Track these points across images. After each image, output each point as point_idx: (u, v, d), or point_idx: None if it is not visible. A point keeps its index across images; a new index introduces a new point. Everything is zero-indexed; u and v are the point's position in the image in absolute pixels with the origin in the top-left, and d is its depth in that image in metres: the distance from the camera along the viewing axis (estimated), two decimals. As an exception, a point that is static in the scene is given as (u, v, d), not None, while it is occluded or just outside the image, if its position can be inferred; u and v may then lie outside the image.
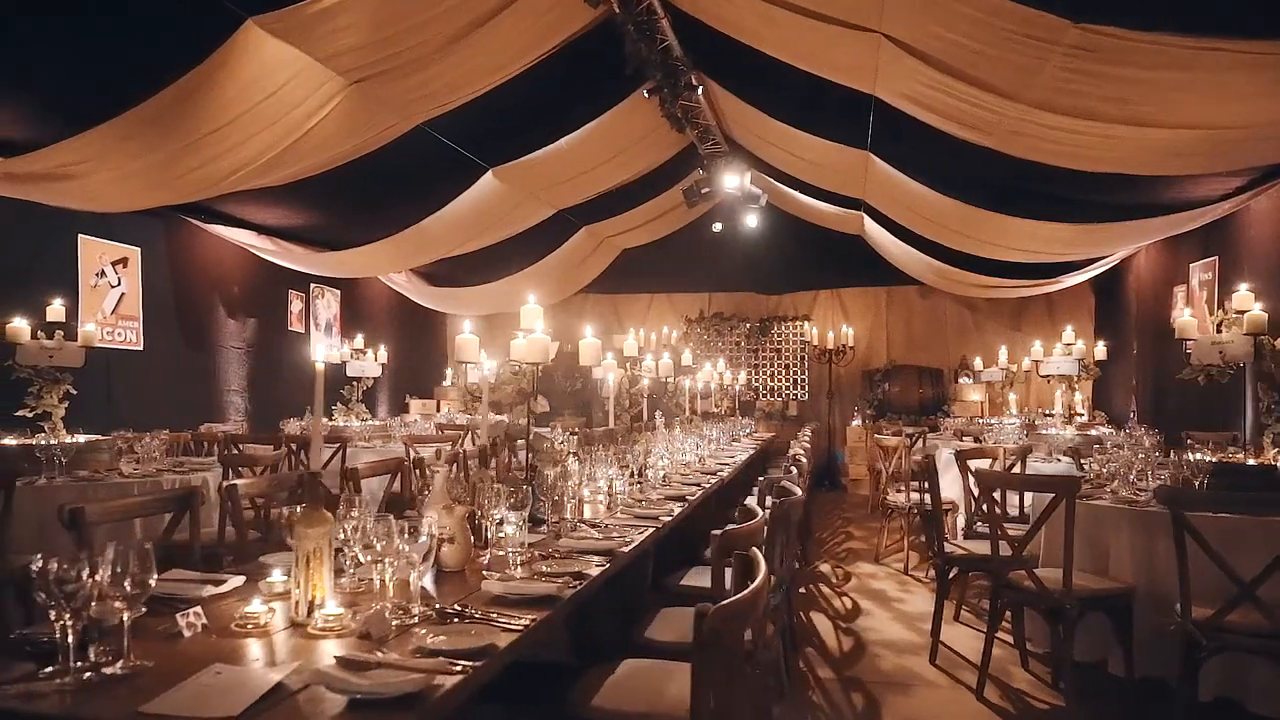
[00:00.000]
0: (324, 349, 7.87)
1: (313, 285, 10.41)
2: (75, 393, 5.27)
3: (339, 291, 10.95)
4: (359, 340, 8.88)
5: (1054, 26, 3.87)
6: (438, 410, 11.51)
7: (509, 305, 12.09)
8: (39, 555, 1.69)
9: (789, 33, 5.39)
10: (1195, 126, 4.45)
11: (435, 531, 2.26)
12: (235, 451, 6.04)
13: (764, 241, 11.38)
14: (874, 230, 10.39)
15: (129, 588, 1.71)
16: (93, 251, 7.37)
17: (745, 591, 1.60)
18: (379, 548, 2.09)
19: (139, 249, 7.91)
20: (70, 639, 1.64)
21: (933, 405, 11.39)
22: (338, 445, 6.51)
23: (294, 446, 6.09)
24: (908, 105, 5.68)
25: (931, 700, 3.93)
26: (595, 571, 2.54)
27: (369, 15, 4.86)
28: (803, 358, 12.49)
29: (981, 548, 4.57)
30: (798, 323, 12.49)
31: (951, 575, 4.65)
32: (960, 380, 11.46)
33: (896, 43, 4.81)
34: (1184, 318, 4.82)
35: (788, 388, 12.48)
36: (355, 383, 8.38)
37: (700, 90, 7.24)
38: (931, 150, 6.81)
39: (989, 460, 5.39)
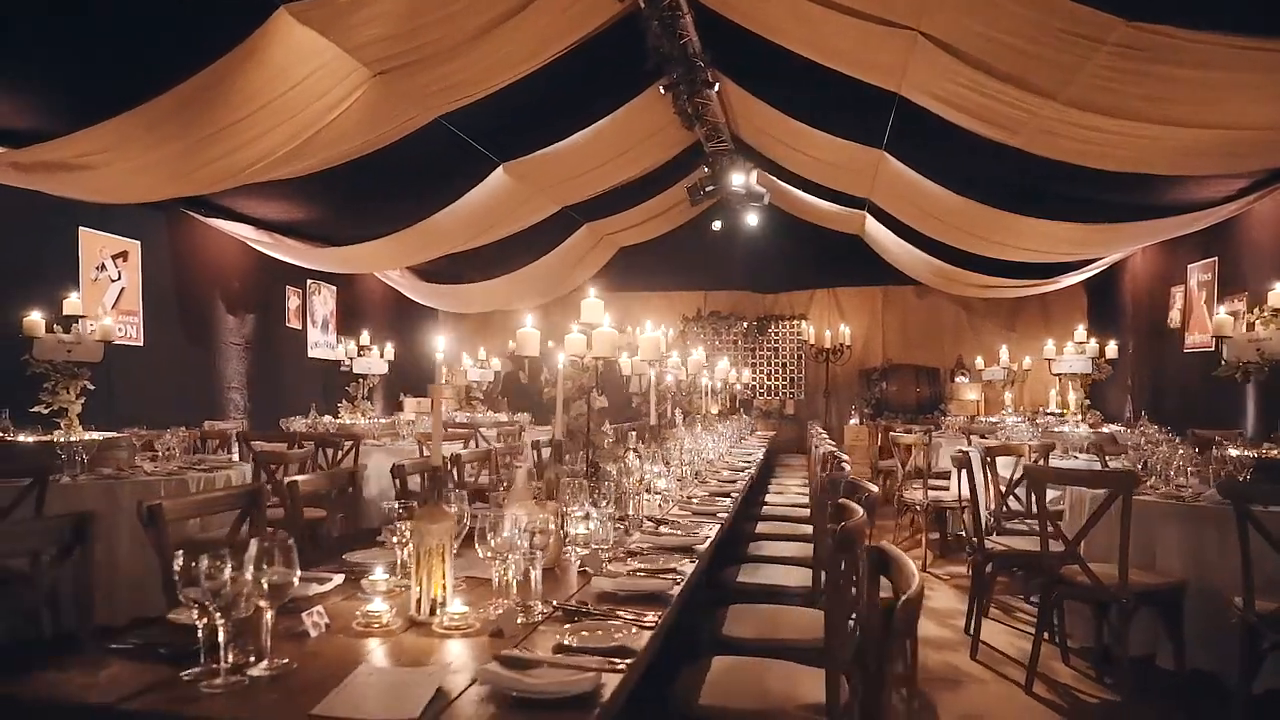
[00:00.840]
0: (342, 347, 7.73)
1: (309, 281, 10.25)
2: (93, 388, 5.14)
3: (335, 288, 10.80)
4: (364, 337, 8.75)
5: (1104, 24, 3.89)
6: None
7: (508, 303, 12.03)
8: (180, 552, 1.62)
9: (820, 29, 5.38)
10: (1229, 127, 4.50)
11: (537, 527, 2.22)
12: (257, 449, 5.92)
13: (761, 240, 11.40)
14: (875, 230, 10.45)
15: (273, 584, 1.64)
16: (93, 245, 7.19)
17: (914, 589, 1.57)
18: (493, 543, 2.03)
19: (139, 242, 7.73)
20: (221, 638, 1.57)
21: (930, 404, 11.48)
22: (351, 443, 6.40)
23: (313, 444, 5.97)
24: (934, 104, 5.69)
25: (981, 696, 3.94)
26: (689, 568, 2.51)
27: (400, 4, 4.79)
28: (800, 357, 12.52)
29: (1018, 543, 4.59)
30: (794, 322, 12.53)
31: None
32: (957, 379, 11.56)
33: (933, 40, 4.82)
34: (1220, 315, 4.87)
35: (785, 387, 12.51)
36: (361, 380, 8.25)
37: (716, 88, 7.21)
38: (948, 150, 6.85)
39: (1015, 457, 5.42)
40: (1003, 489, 5.19)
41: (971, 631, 4.59)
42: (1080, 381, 7.18)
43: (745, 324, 12.49)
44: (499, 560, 2.03)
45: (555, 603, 2.09)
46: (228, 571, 1.60)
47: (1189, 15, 3.68)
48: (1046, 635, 4.49)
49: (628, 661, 1.65)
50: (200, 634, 1.60)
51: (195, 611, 1.61)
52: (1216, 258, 8.44)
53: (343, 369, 11.07)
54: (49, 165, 5.18)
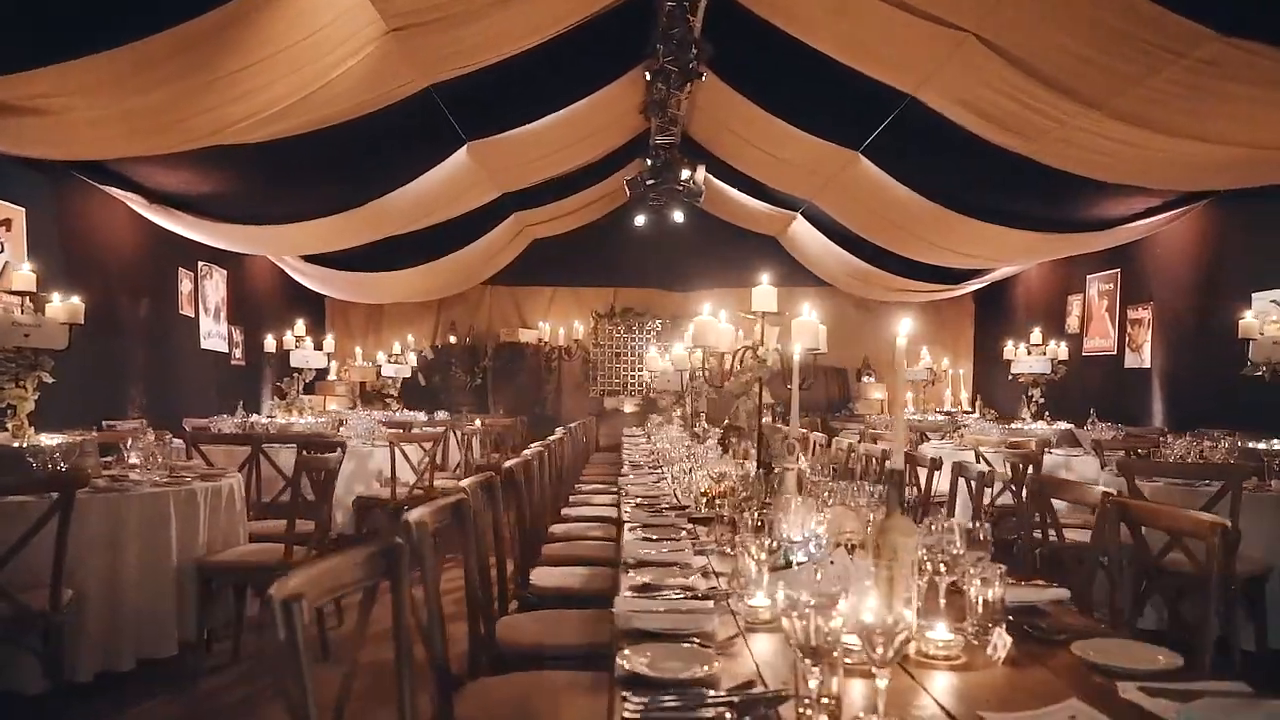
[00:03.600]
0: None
1: (200, 264, 9.10)
2: (52, 380, 4.22)
3: (225, 272, 9.65)
4: (299, 326, 7.86)
5: (1192, 37, 4.07)
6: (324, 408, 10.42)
7: (423, 293, 11.31)
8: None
9: (861, 21, 5.34)
10: (1253, 145, 4.87)
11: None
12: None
13: (673, 239, 11.31)
14: (801, 231, 10.65)
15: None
16: (-28, 209, 5.99)
17: None
18: (946, 556, 1.77)
19: (23, 210, 6.51)
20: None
21: (840, 403, 11.85)
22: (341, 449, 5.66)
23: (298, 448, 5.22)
24: (953, 107, 5.81)
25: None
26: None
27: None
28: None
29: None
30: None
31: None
32: (864, 379, 12.00)
33: (987, 43, 4.89)
34: (1246, 319, 5.25)
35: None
36: (297, 375, 7.40)
37: (703, 78, 7.02)
38: (929, 155, 7.06)
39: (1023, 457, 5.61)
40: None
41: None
42: (1034, 382, 7.58)
43: (660, 322, 12.37)
44: (964, 575, 1.76)
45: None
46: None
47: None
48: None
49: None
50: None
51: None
52: (1119, 270, 9.25)
53: (233, 362, 9.97)
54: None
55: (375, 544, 1.74)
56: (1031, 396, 7.46)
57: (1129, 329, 8.98)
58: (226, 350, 9.69)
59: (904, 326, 1.76)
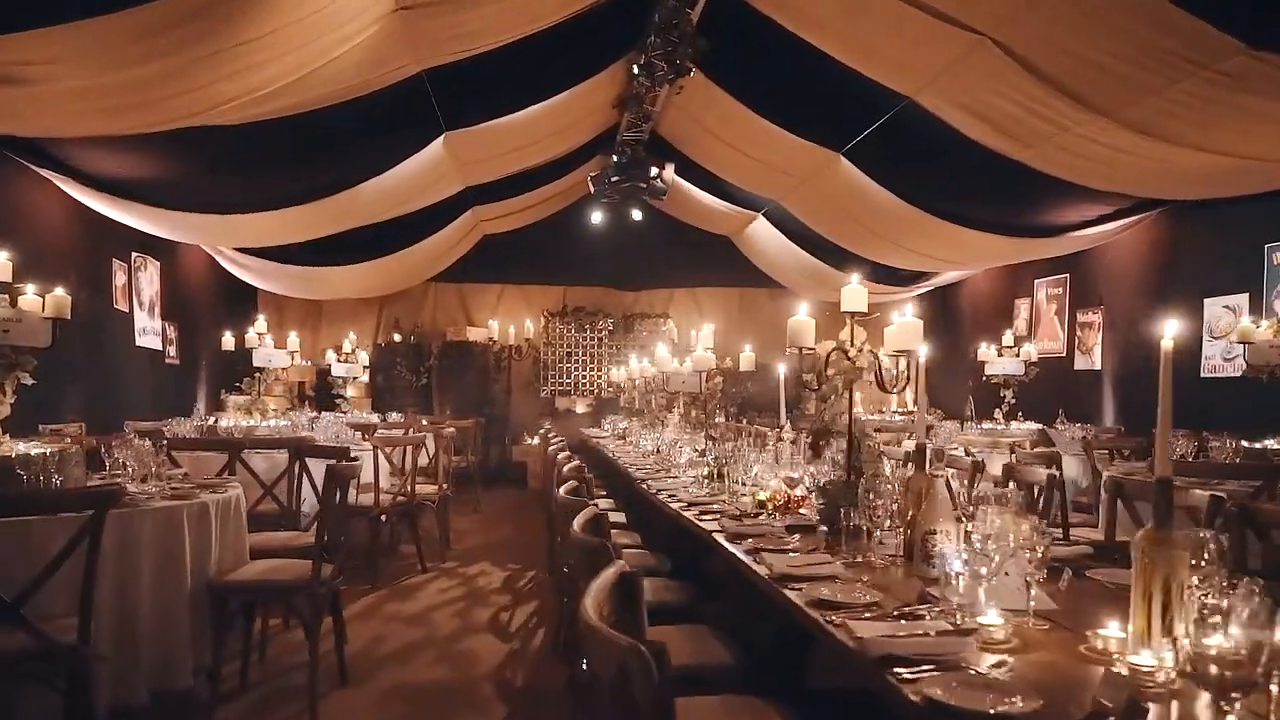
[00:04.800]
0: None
1: (134, 255, 8.43)
2: (33, 383, 3.77)
3: (159, 264, 8.98)
4: (260, 323, 7.35)
5: (1221, 50, 4.18)
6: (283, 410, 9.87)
7: (366, 290, 10.84)
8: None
9: (873, 19, 5.32)
10: (1254, 157, 5.07)
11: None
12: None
13: (624, 237, 11.15)
14: (760, 231, 10.66)
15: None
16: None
17: None
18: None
19: (-50, 192, 5.88)
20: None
21: (789, 404, 11.89)
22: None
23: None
24: (951, 110, 5.86)
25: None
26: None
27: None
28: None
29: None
30: (657, 320, 12.45)
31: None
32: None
33: (1003, 47, 4.93)
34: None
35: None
36: (258, 374, 6.92)
37: (691, 73, 6.90)
38: (910, 160, 7.13)
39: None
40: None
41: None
42: (1005, 382, 7.76)
43: (612, 321, 12.19)
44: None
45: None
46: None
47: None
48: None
49: None
50: None
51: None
52: (1069, 274, 9.60)
53: (167, 361, 9.28)
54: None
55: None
56: (1004, 397, 7.63)
57: (1079, 332, 9.32)
58: (160, 348, 9.03)
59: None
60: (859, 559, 2.52)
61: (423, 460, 7.22)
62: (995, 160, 6.35)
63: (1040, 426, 7.56)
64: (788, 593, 2.11)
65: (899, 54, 5.63)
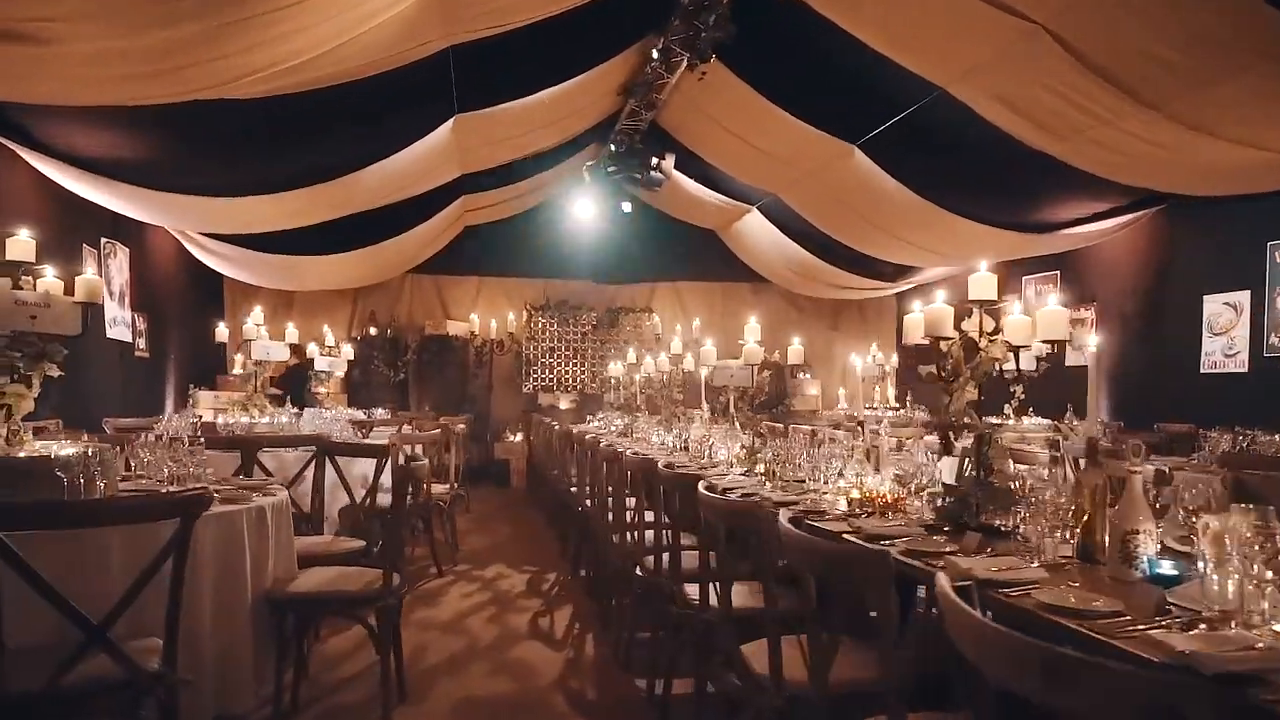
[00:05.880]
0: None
1: (104, 241, 7.89)
2: (59, 375, 3.39)
3: (128, 250, 8.43)
4: (258, 313, 6.92)
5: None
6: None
7: (344, 281, 10.40)
8: None
9: (913, 8, 5.21)
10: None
11: None
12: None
13: (604, 229, 10.90)
14: (752, 224, 10.53)
15: None
16: None
17: None
18: None
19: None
20: None
21: (775, 399, 11.83)
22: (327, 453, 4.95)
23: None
24: (986, 102, 5.79)
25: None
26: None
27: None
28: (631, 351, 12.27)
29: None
30: (641, 315, 12.24)
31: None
32: (799, 375, 12.05)
33: (1057, 37, 4.86)
34: None
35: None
36: (257, 369, 6.51)
37: (711, 58, 6.70)
38: (924, 153, 7.06)
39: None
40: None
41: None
42: (1018, 377, 7.73)
43: (596, 315, 11.93)
44: None
45: None
46: None
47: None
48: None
49: None
50: None
51: None
52: (1059, 271, 9.70)
53: (136, 354, 8.72)
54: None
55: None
56: (1014, 393, 7.60)
57: (1071, 329, 9.41)
58: (130, 340, 8.49)
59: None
60: (1034, 562, 2.36)
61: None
62: (1012, 154, 6.33)
63: (1047, 422, 7.59)
64: (1012, 599, 1.94)
65: (939, 43, 5.53)
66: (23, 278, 3.33)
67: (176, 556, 2.37)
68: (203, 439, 3.94)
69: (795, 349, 6.15)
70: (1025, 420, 7.50)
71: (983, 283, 2.93)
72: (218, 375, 10.74)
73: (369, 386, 11.06)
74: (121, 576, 2.66)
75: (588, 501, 5.78)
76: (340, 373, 9.23)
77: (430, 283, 11.85)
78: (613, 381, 9.05)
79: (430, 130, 6.45)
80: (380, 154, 6.43)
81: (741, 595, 3.13)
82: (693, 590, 3.13)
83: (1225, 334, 7.47)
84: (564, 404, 11.43)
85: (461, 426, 7.14)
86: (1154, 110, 5.03)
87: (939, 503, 3.01)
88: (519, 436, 11.21)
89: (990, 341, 2.94)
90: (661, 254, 12.03)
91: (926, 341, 2.97)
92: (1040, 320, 2.82)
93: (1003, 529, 2.74)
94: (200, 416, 6.48)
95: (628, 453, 4.47)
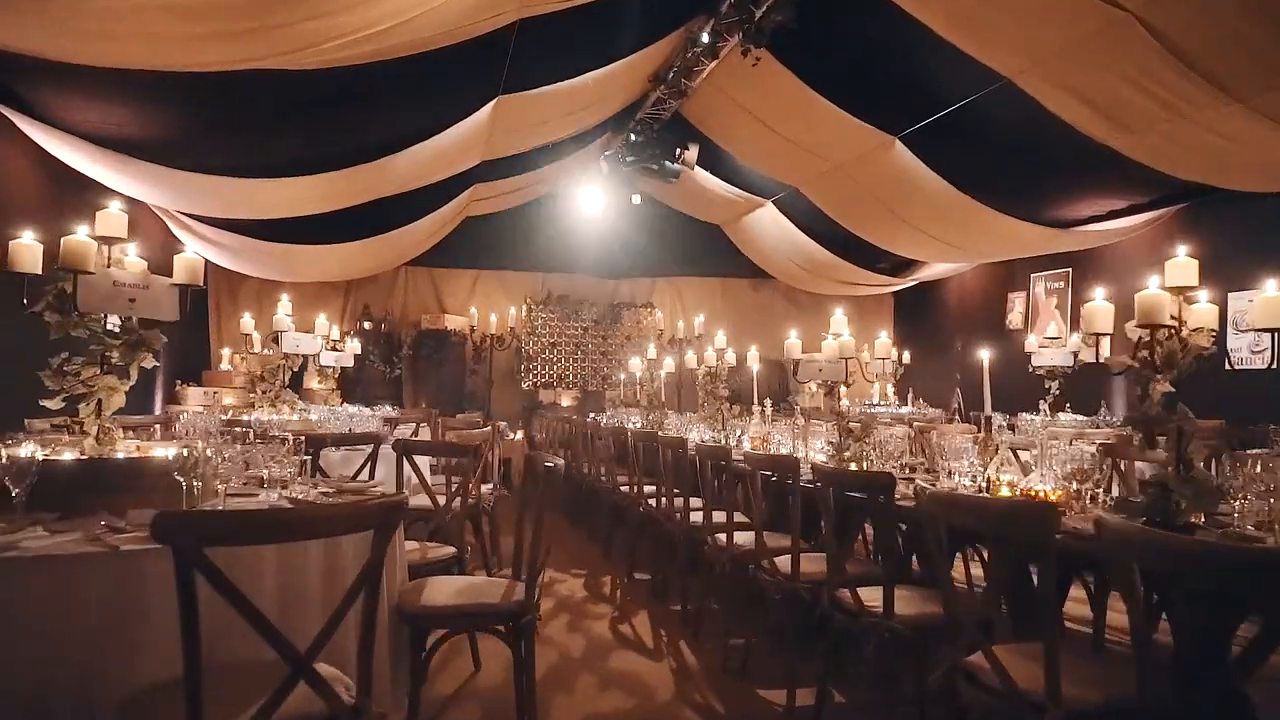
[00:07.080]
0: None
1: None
2: (156, 364, 3.03)
3: (120, 236, 7.87)
4: (286, 303, 6.49)
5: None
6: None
7: (341, 273, 9.97)
8: None
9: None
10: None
11: None
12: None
13: (603, 223, 10.64)
14: (760, 219, 10.36)
15: None
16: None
17: None
18: None
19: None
20: None
21: (778, 395, 11.70)
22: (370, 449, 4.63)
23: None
24: (1055, 93, 5.68)
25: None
26: None
27: None
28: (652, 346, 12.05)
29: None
30: (643, 310, 11.99)
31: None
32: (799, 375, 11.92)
33: (1147, 25, 4.76)
34: None
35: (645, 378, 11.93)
36: (283, 364, 6.10)
37: (763, 44, 6.48)
38: (969, 148, 6.96)
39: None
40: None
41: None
42: (1051, 373, 7.70)
43: (597, 310, 11.65)
44: None
45: None
46: None
47: None
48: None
49: None
50: None
51: None
52: (1070, 269, 9.74)
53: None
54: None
55: None
56: (1049, 389, 7.57)
57: (1084, 325, 9.46)
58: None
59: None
60: None
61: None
62: (1060, 148, 6.27)
63: (1080, 418, 7.58)
64: None
65: (1012, 30, 5.40)
66: (114, 256, 2.96)
67: (373, 572, 2.07)
68: (288, 438, 3.58)
69: (792, 343, 6.00)
70: (1061, 416, 7.47)
71: (1181, 268, 2.78)
72: (204, 371, 10.21)
73: (363, 383, 10.59)
74: (276, 591, 2.37)
75: (650, 502, 5.55)
76: (331, 370, 8.78)
77: (426, 275, 11.44)
78: (624, 378, 8.78)
79: (474, 110, 6.11)
80: (415, 137, 6.06)
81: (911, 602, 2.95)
82: (870, 598, 2.93)
83: (1250, 330, 7.53)
84: (565, 401, 11.13)
85: (503, 423, 6.82)
86: (1240, 102, 4.97)
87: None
88: (519, 434, 10.87)
89: (1194, 331, 2.79)
90: (660, 249, 11.82)
91: (1137, 332, 2.79)
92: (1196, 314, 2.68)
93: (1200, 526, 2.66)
94: (245, 414, 6.01)
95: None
